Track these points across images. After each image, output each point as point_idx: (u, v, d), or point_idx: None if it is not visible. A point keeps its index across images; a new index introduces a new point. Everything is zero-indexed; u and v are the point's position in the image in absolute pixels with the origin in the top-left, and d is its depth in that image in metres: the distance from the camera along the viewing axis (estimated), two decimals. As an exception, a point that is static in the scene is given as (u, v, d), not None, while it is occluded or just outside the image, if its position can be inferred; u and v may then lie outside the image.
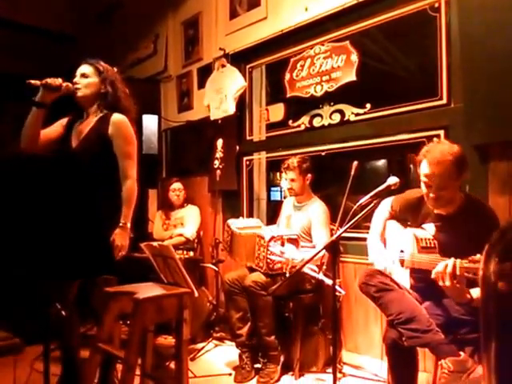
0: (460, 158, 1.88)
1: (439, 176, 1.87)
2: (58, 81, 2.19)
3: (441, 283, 1.73)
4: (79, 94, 2.28)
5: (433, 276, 1.78)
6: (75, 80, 2.29)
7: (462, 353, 1.77)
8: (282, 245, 2.72)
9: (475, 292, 1.73)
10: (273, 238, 2.70)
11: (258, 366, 2.83)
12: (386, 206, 2.32)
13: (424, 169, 1.93)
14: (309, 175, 3.00)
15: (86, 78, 2.30)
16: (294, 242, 2.76)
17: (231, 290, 2.89)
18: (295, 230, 2.96)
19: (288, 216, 3.14)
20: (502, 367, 0.63)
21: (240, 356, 2.87)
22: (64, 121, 2.42)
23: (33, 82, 2.14)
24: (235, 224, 3.09)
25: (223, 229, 3.29)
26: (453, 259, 1.71)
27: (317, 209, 2.95)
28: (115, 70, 2.43)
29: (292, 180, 2.98)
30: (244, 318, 2.88)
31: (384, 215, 2.32)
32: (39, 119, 2.23)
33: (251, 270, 2.88)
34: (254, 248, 2.80)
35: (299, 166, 2.95)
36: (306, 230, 2.95)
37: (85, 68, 2.33)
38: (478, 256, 1.60)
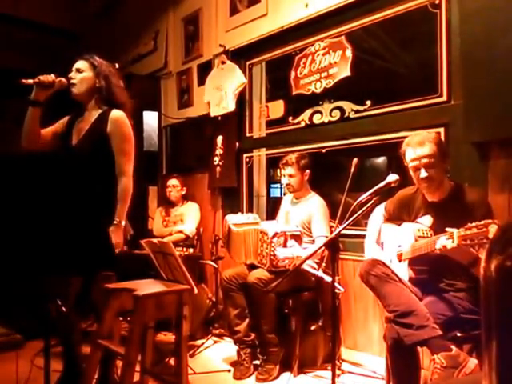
0: (439, 140, 2.06)
1: (425, 156, 1.99)
2: (51, 77, 2.19)
3: (449, 245, 1.77)
4: (74, 90, 2.30)
5: (437, 247, 1.83)
6: (70, 75, 2.30)
7: (453, 347, 1.78)
8: (285, 241, 2.73)
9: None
10: (276, 234, 2.71)
11: (256, 362, 2.83)
12: (380, 211, 2.37)
13: (410, 154, 2.05)
14: (307, 171, 3.00)
15: (80, 73, 2.31)
16: (297, 238, 2.77)
17: (228, 286, 2.89)
18: (294, 225, 2.97)
19: (286, 212, 3.14)
20: (503, 365, 0.63)
21: (238, 352, 2.88)
22: (65, 119, 2.43)
23: (25, 80, 2.14)
24: (232, 220, 3.08)
25: (223, 225, 3.29)
26: (448, 229, 1.79)
27: (316, 203, 2.95)
28: (117, 66, 2.43)
29: (290, 176, 2.97)
30: (241, 315, 2.88)
31: (379, 221, 2.36)
32: (36, 117, 2.25)
33: (251, 267, 2.88)
34: (257, 244, 2.79)
35: (297, 161, 2.95)
36: (305, 225, 2.95)
37: (80, 63, 2.34)
38: (474, 224, 1.69)
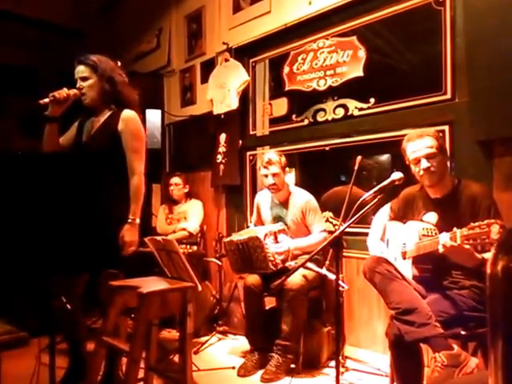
0: (438, 135, 2.09)
1: (424, 147, 2.03)
2: (65, 91, 2.21)
3: (451, 244, 1.77)
4: (87, 100, 2.31)
5: (440, 250, 1.82)
6: (78, 86, 2.30)
7: (455, 346, 1.79)
8: (276, 238, 2.78)
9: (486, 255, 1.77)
10: (266, 234, 2.75)
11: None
12: (386, 210, 2.37)
13: (409, 148, 2.09)
14: (287, 169, 2.98)
15: (86, 80, 2.30)
16: (284, 232, 2.86)
17: (258, 293, 2.80)
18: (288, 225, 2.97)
19: (276, 217, 3.04)
20: (508, 364, 0.64)
21: (251, 352, 2.86)
22: (77, 123, 2.45)
23: (42, 101, 2.17)
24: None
25: (227, 224, 3.24)
26: (454, 229, 1.80)
27: (304, 198, 2.93)
28: (119, 64, 2.43)
29: (274, 175, 2.89)
30: None
31: (384, 219, 2.35)
32: (54, 131, 2.29)
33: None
34: (252, 254, 2.78)
35: (280, 159, 2.91)
36: (297, 221, 2.94)
37: (81, 70, 2.32)
38: (477, 223, 1.69)
